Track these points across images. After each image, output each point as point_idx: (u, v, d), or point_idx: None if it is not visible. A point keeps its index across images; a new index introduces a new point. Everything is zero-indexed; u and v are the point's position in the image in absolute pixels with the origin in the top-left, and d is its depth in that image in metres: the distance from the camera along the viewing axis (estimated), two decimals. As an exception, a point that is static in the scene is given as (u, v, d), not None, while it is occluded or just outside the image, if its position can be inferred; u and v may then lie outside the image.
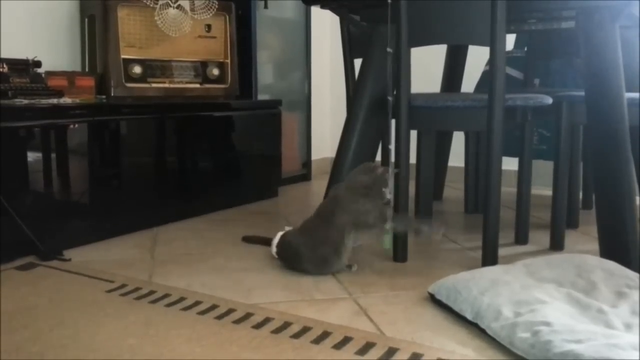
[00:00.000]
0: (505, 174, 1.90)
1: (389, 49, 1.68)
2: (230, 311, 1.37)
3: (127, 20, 2.32)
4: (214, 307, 1.39)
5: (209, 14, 2.48)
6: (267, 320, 1.32)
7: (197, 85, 2.54)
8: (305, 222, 1.69)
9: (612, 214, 1.67)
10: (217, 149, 2.51)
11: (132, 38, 2.34)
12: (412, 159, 1.83)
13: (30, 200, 1.85)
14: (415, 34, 1.70)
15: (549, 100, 1.80)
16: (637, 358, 1.02)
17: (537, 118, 1.93)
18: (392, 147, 1.71)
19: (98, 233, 2.01)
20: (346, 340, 1.21)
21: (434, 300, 1.43)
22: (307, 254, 1.62)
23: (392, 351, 1.16)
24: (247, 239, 1.99)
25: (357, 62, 2.19)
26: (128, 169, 2.13)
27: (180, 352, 1.16)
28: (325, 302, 1.44)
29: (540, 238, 2.02)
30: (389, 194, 1.62)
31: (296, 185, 3.15)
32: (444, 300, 1.38)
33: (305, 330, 1.26)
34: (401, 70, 1.71)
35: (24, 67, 2.10)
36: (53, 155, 1.89)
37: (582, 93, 1.76)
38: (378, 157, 2.32)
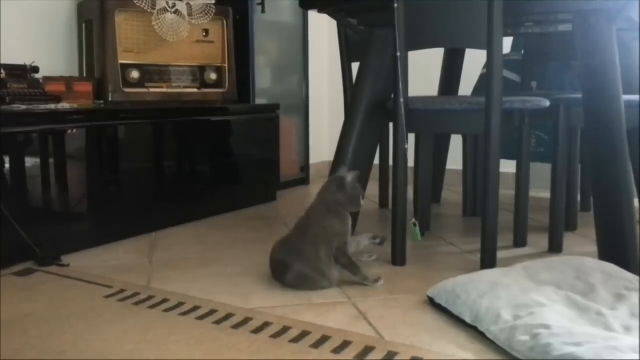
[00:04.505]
0: (504, 177, 1.90)
1: (398, 54, 1.68)
2: (229, 316, 1.36)
3: (124, 26, 2.32)
4: (212, 312, 1.39)
5: (206, 19, 2.48)
6: (266, 324, 1.31)
7: (195, 90, 2.54)
8: (287, 236, 1.64)
9: (610, 216, 1.67)
10: (215, 154, 2.51)
11: (129, 43, 2.34)
12: (411, 162, 1.83)
13: (29, 205, 1.84)
14: (413, 37, 1.70)
15: (547, 103, 1.80)
16: (637, 360, 1.02)
17: (535, 121, 1.94)
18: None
19: (96, 238, 2.01)
20: (345, 344, 1.21)
21: (433, 304, 1.42)
22: (288, 269, 1.56)
23: (391, 355, 1.16)
24: None
25: (355, 66, 2.19)
26: (126, 174, 2.13)
27: (179, 357, 1.16)
28: (324, 307, 1.44)
29: (539, 241, 2.02)
30: (362, 201, 1.60)
31: (295, 189, 3.15)
32: (443, 303, 1.38)
33: (304, 334, 1.26)
34: (399, 73, 1.71)
35: (22, 72, 2.10)
36: (51, 161, 1.89)
37: (580, 96, 1.76)
38: (376, 161, 2.33)
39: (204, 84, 2.56)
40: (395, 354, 1.17)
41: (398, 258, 1.77)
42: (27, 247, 1.77)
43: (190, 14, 2.44)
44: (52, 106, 2.02)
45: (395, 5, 1.67)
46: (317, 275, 1.54)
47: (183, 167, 2.37)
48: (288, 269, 1.56)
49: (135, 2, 2.29)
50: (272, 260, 1.62)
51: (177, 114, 2.34)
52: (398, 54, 1.69)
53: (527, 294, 1.31)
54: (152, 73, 2.41)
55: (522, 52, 2.74)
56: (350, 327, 1.31)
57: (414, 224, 1.78)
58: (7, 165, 1.76)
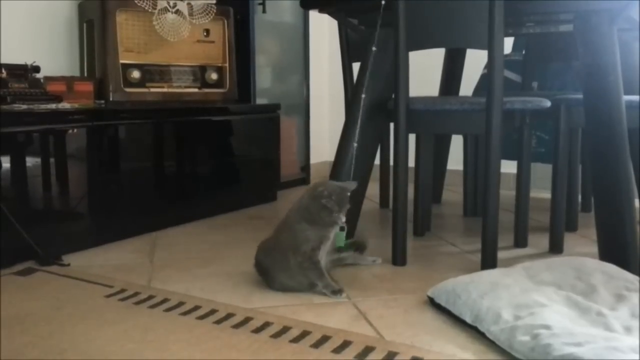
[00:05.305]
0: (504, 177, 1.90)
1: (374, 48, 1.67)
2: (229, 316, 1.37)
3: (125, 25, 2.32)
4: (213, 311, 1.39)
5: (207, 19, 2.48)
6: (266, 324, 1.31)
7: (196, 90, 2.54)
8: (268, 238, 1.61)
9: (611, 216, 1.67)
10: (215, 154, 2.51)
11: (130, 43, 2.34)
12: (411, 162, 1.83)
13: (29, 205, 1.85)
14: (414, 37, 1.70)
15: (547, 103, 1.80)
16: (637, 361, 1.02)
17: (536, 121, 1.93)
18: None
19: (97, 238, 2.01)
20: (345, 344, 1.21)
21: (433, 304, 1.42)
22: (270, 278, 1.55)
23: (391, 355, 1.16)
24: None
25: (356, 66, 2.19)
26: (127, 174, 2.13)
27: (179, 356, 1.16)
28: (324, 306, 1.44)
29: (540, 241, 2.02)
30: (342, 219, 1.48)
31: (295, 189, 3.15)
32: (444, 303, 1.38)
33: (304, 334, 1.26)
34: (400, 73, 1.71)
35: (23, 72, 2.10)
36: (52, 160, 1.89)
37: (580, 96, 1.76)
38: (377, 161, 2.33)
39: (204, 83, 2.56)
40: (395, 353, 1.17)
41: (398, 258, 1.77)
42: (27, 247, 1.77)
43: (191, 14, 2.44)
44: (53, 106, 2.02)
45: (383, 2, 1.67)
46: (293, 283, 1.53)
47: (183, 167, 2.37)
48: (270, 277, 1.55)
49: (136, 1, 2.29)
50: (256, 263, 1.60)
51: (178, 114, 2.34)
52: (374, 48, 1.68)
53: (527, 294, 1.31)
54: (153, 73, 2.41)
55: (523, 52, 2.74)
56: (351, 327, 1.31)
57: (342, 228, 1.61)
58: (7, 165, 1.76)
